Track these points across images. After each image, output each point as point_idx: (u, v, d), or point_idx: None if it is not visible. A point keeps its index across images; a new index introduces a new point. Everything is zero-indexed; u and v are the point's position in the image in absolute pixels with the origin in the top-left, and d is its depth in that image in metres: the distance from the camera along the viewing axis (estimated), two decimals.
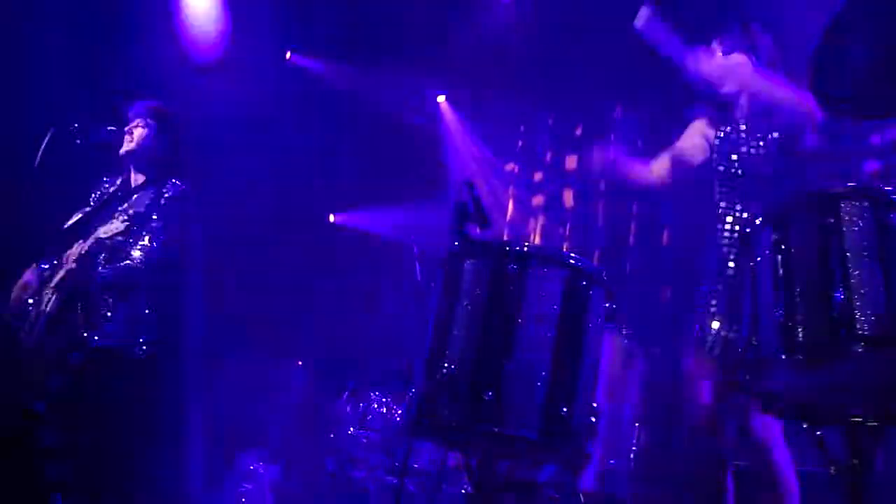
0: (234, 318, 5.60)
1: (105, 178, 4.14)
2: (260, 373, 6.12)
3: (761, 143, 3.21)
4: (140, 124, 3.98)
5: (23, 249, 4.01)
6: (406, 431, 2.51)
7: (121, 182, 4.07)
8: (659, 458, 4.48)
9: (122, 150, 3.98)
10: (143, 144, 3.96)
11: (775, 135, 3.19)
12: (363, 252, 7.06)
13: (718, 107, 3.38)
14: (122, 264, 3.64)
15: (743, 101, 3.32)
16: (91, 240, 3.62)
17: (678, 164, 3.49)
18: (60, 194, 4.11)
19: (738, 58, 3.31)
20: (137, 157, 3.99)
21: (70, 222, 3.91)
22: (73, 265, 3.60)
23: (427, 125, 7.66)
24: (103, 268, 3.62)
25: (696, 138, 3.46)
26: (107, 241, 3.63)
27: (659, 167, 3.52)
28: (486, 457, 2.67)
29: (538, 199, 7.43)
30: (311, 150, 7.02)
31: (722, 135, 3.34)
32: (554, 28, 6.86)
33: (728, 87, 3.32)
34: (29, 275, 3.83)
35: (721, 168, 3.30)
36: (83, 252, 3.61)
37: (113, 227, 3.59)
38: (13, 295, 3.80)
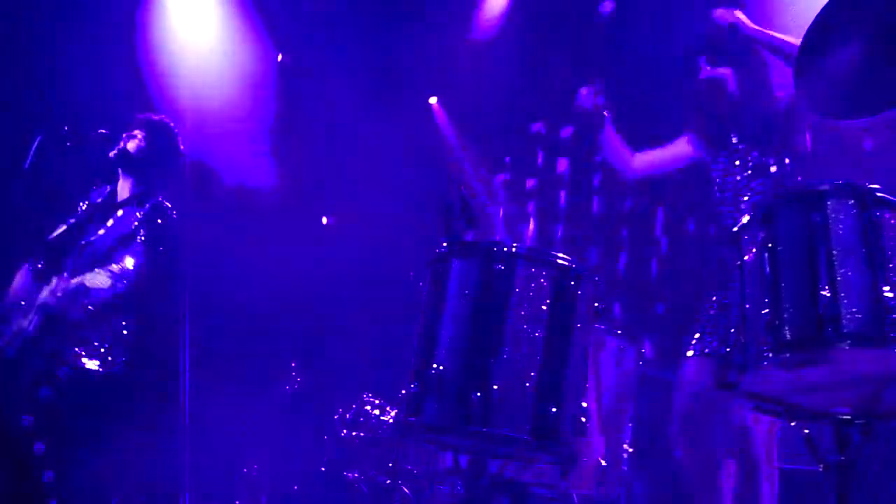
0: (225, 319, 5.58)
1: (94, 188, 4.16)
2: (253, 374, 6.10)
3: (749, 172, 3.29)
4: (134, 134, 4.01)
5: (14, 251, 4.00)
6: (396, 432, 2.52)
7: (108, 193, 4.09)
8: (652, 457, 4.48)
9: (113, 157, 3.99)
10: (133, 154, 3.98)
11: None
12: (356, 252, 7.05)
13: (709, 116, 3.50)
14: (112, 292, 3.60)
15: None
16: (95, 273, 3.58)
17: (656, 166, 3.73)
18: (51, 195, 4.11)
19: (724, 71, 3.45)
20: (127, 166, 4.01)
21: (56, 234, 3.92)
22: (83, 285, 3.58)
23: (419, 125, 7.65)
24: (96, 298, 3.59)
25: (680, 148, 3.62)
26: (116, 272, 3.61)
27: (640, 162, 3.71)
28: (476, 457, 2.67)
29: (531, 203, 7.43)
30: (302, 153, 7.02)
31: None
32: (542, 33, 6.88)
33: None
34: (22, 277, 3.82)
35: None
36: (82, 283, 3.57)
37: (124, 263, 3.58)
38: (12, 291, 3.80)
